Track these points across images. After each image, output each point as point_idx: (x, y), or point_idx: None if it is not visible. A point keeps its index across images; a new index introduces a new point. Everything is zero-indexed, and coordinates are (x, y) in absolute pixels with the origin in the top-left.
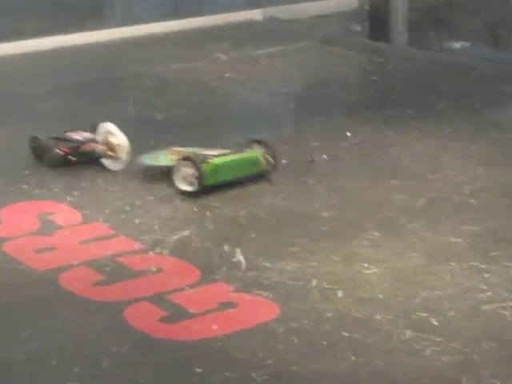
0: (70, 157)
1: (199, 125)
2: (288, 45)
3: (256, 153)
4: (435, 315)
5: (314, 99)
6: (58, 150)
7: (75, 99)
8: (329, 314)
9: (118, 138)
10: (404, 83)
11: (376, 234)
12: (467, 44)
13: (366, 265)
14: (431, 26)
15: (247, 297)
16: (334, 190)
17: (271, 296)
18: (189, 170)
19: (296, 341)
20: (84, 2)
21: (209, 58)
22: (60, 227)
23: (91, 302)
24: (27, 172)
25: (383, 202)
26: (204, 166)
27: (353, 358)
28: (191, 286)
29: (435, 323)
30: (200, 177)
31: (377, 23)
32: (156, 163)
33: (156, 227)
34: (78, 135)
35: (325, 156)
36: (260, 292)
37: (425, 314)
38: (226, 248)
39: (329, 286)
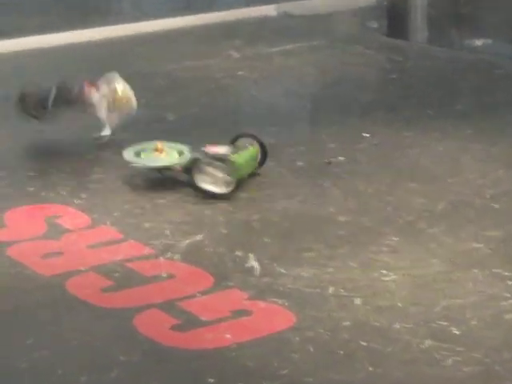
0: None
1: (211, 124)
2: (303, 42)
3: (254, 147)
4: (456, 324)
5: (330, 99)
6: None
7: None
8: (346, 323)
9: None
10: (423, 82)
11: (395, 239)
12: (489, 41)
13: (384, 271)
14: (452, 23)
15: (261, 304)
16: (350, 193)
17: (286, 303)
18: (215, 171)
19: (312, 350)
20: None
21: (221, 55)
22: (67, 231)
23: (99, 308)
24: (32, 174)
25: (402, 205)
26: (232, 165)
27: (371, 369)
28: (203, 293)
29: (456, 332)
30: (232, 176)
31: (395, 20)
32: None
33: (167, 231)
34: None
35: (341, 158)
36: (275, 299)
37: (445, 323)
38: (239, 253)
39: (346, 294)
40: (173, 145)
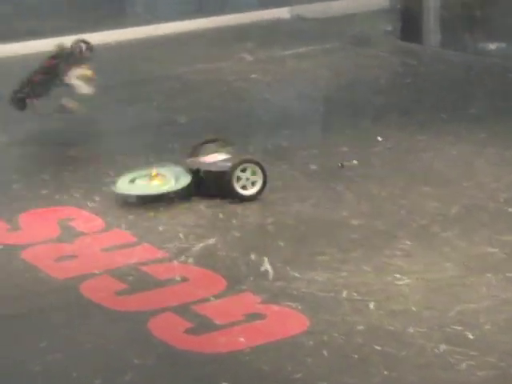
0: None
1: (223, 127)
2: (316, 45)
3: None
4: (470, 328)
5: (343, 102)
6: None
7: (94, 102)
8: (360, 327)
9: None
10: (437, 86)
11: (408, 243)
12: (503, 45)
13: (398, 275)
14: (465, 27)
15: (275, 308)
16: (363, 196)
17: (300, 307)
18: (247, 175)
19: (326, 354)
20: (104, 0)
21: (234, 58)
22: (81, 234)
23: (114, 311)
24: (46, 177)
25: (415, 209)
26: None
27: (385, 373)
28: (217, 297)
29: (470, 337)
30: (264, 178)
31: (409, 23)
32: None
33: (180, 235)
34: None
35: (355, 161)
36: (288, 303)
37: (459, 328)
38: (252, 257)
39: (360, 298)
40: (168, 168)
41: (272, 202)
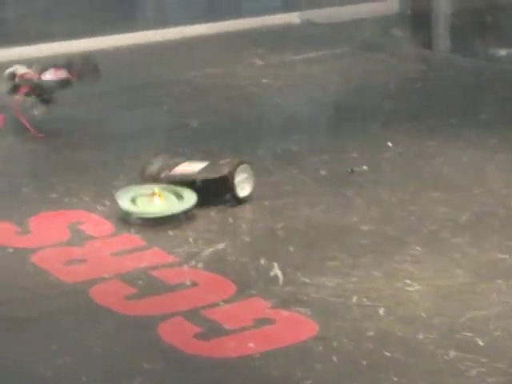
0: None
1: (234, 132)
2: (326, 50)
3: None
4: (481, 335)
5: (353, 107)
6: None
7: (105, 106)
8: (370, 333)
9: None
10: (447, 91)
11: (418, 249)
12: None
13: (408, 281)
14: (475, 32)
15: (285, 313)
16: (373, 202)
17: (310, 313)
18: (245, 175)
19: (335, 360)
20: (114, 4)
21: (244, 62)
22: (91, 238)
23: (123, 316)
24: (55, 180)
25: (426, 215)
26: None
27: (395, 379)
28: (227, 302)
29: (481, 343)
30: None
31: (418, 28)
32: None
33: (190, 239)
34: None
35: (365, 167)
36: (298, 308)
37: (470, 334)
38: (262, 262)
39: (370, 304)
40: (170, 188)
41: (282, 207)
